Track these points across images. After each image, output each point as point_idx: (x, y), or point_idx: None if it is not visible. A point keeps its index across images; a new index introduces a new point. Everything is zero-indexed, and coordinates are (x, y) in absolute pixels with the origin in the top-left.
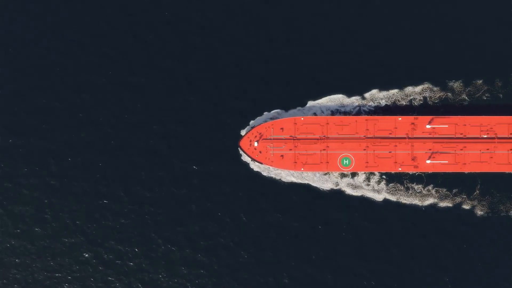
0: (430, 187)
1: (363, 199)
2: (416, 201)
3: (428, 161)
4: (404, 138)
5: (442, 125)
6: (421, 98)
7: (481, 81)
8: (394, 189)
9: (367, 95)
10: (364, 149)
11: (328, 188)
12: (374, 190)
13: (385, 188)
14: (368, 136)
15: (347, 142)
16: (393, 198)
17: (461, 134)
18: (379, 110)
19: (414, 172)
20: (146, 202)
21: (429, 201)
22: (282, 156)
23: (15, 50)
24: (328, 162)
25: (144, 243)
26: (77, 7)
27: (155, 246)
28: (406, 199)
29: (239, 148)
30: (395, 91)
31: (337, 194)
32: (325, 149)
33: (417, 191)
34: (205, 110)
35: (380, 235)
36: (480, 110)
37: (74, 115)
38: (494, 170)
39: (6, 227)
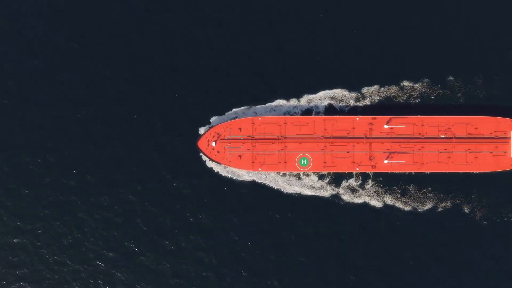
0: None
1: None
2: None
3: (386, 161)
4: (362, 138)
5: (400, 125)
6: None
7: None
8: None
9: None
10: (322, 149)
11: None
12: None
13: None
14: (326, 136)
15: (305, 142)
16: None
17: (419, 134)
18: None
19: (371, 172)
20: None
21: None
22: (240, 156)
23: None
24: (286, 162)
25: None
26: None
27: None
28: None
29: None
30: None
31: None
32: (283, 149)
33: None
34: (166, 106)
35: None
36: (438, 110)
37: None
38: (451, 170)
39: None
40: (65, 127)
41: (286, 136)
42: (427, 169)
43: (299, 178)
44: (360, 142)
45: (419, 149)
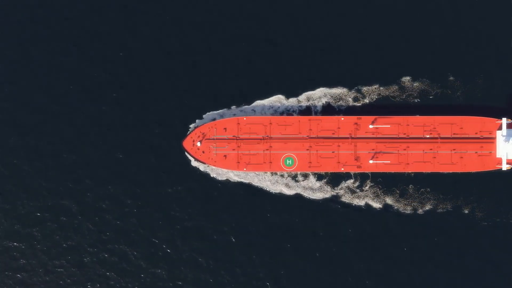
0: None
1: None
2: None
3: (371, 161)
4: (347, 138)
5: (385, 125)
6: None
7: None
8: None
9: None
10: (307, 149)
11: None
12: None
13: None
14: (311, 136)
15: (290, 142)
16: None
17: (404, 134)
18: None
19: (356, 172)
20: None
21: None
22: (225, 156)
23: None
24: (271, 162)
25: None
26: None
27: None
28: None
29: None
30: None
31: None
32: (268, 149)
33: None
34: (152, 105)
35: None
36: (424, 110)
37: None
38: (437, 170)
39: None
40: (53, 128)
41: (271, 136)
42: (412, 169)
43: (297, 181)
44: (345, 142)
45: (404, 149)
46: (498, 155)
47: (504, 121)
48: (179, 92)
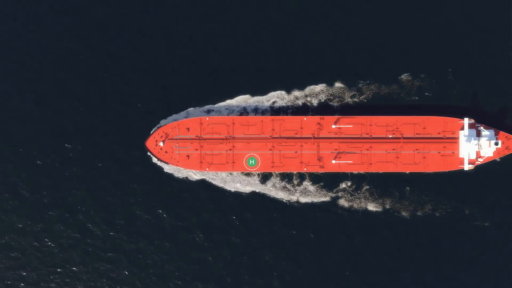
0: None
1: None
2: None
3: (333, 161)
4: (310, 138)
5: (348, 125)
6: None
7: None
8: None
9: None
10: (270, 149)
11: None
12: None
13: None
14: (274, 136)
15: (253, 142)
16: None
17: (367, 134)
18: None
19: (319, 172)
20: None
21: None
22: (188, 156)
23: None
24: (234, 162)
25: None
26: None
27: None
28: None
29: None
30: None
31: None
32: (231, 149)
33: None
34: (116, 108)
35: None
36: (387, 110)
37: None
38: (400, 170)
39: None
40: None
41: (234, 136)
42: (375, 169)
43: (295, 185)
44: (308, 142)
45: (367, 149)
46: (460, 155)
47: (466, 121)
48: (143, 90)
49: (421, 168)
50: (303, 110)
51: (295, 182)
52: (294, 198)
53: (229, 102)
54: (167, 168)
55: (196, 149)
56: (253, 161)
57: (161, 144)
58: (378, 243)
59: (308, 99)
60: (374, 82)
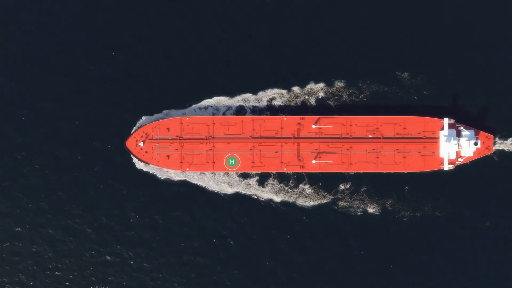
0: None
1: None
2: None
3: (314, 161)
4: (290, 138)
5: (328, 125)
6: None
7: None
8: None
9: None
10: (250, 149)
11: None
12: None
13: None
14: (254, 136)
15: (233, 142)
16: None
17: (347, 134)
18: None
19: (300, 172)
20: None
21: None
22: (168, 156)
23: None
24: (214, 162)
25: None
26: None
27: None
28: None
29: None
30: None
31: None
32: (211, 149)
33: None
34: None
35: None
36: (368, 110)
37: None
38: (380, 170)
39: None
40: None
41: (214, 136)
42: (356, 169)
43: (294, 187)
44: (288, 142)
45: (347, 149)
46: (441, 155)
47: (445, 121)
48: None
49: (401, 168)
50: (303, 108)
51: (292, 184)
52: (291, 199)
53: (209, 101)
54: (172, 173)
55: (177, 149)
56: (233, 161)
57: (141, 144)
58: (378, 243)
59: (306, 97)
60: (375, 82)
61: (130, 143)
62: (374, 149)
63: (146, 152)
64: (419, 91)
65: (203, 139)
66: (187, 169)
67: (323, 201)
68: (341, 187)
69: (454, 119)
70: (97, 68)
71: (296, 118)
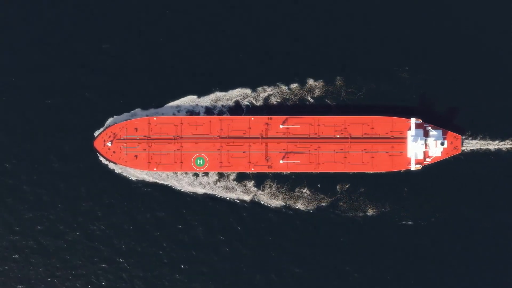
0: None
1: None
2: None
3: (281, 161)
4: (258, 138)
5: (296, 125)
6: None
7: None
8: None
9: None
10: (218, 149)
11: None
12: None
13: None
14: (222, 136)
15: (201, 142)
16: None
17: (315, 134)
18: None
19: (268, 172)
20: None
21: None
22: (136, 156)
23: None
24: (182, 162)
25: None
26: None
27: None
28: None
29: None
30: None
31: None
32: (179, 149)
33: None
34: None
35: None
36: (336, 110)
37: None
38: (348, 170)
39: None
40: None
41: (182, 136)
42: (323, 169)
43: (291, 191)
44: (256, 142)
45: (315, 149)
46: (408, 155)
47: (413, 121)
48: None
49: (369, 168)
50: (301, 107)
51: (287, 187)
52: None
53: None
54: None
55: (144, 149)
56: (201, 161)
57: (109, 144)
58: (378, 244)
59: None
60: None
61: (98, 143)
62: (342, 149)
63: (114, 152)
64: (388, 92)
65: (171, 139)
66: (155, 169)
67: (320, 204)
68: (338, 188)
69: (421, 119)
70: (67, 67)
71: (264, 118)
